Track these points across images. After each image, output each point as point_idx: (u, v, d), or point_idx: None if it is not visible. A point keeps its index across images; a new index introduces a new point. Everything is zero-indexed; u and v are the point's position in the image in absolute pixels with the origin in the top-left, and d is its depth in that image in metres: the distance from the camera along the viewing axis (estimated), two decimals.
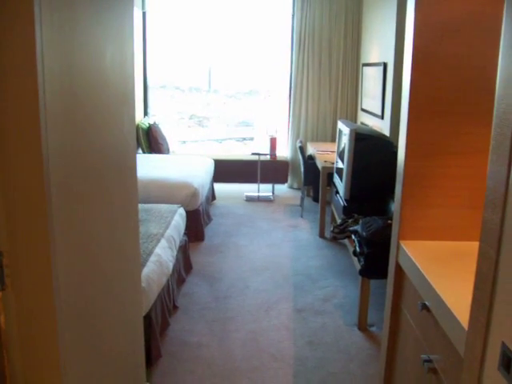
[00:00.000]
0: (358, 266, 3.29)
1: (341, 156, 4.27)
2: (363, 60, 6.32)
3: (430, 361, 1.67)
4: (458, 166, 1.98)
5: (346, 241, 4.02)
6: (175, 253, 3.54)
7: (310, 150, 6.08)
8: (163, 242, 3.32)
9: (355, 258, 3.45)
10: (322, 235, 5.09)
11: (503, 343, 1.01)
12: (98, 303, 1.62)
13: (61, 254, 1.28)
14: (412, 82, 1.93)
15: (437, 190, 2.01)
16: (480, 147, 1.93)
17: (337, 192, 4.48)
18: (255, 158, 6.60)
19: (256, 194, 6.51)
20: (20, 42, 1.12)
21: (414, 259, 1.86)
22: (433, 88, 1.93)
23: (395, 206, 2.14)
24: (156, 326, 2.87)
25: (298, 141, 6.14)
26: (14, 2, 1.10)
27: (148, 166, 5.29)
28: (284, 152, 7.05)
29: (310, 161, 5.66)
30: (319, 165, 5.15)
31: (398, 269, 2.08)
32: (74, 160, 1.37)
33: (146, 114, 7.11)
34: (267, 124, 8.37)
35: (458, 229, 2.02)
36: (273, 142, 6.54)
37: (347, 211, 3.92)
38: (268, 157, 6.59)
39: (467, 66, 1.90)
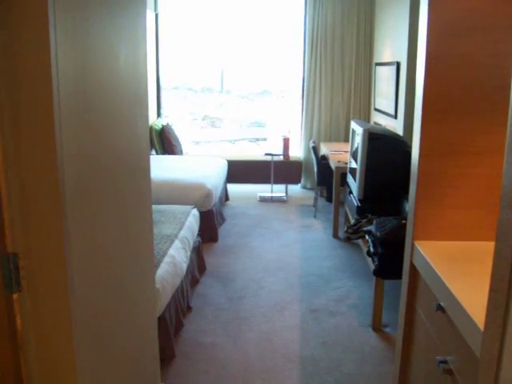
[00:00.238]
0: (372, 267, 3.27)
1: (354, 156, 4.25)
2: (376, 59, 6.29)
3: (445, 362, 1.65)
4: (473, 165, 1.96)
5: (359, 241, 4.00)
6: (189, 254, 3.55)
7: (324, 150, 6.07)
8: (177, 243, 3.33)
9: (369, 259, 3.43)
10: (335, 235, 5.07)
11: None
12: (111, 304, 1.63)
13: (75, 255, 1.29)
14: (425, 81, 1.91)
15: (451, 190, 1.99)
16: (495, 146, 1.91)
17: (350, 192, 4.46)
18: (268, 158, 6.60)
19: (269, 195, 6.51)
20: (34, 44, 1.13)
21: (428, 259, 1.84)
22: (446, 87, 1.91)
23: (409, 206, 2.12)
24: (170, 326, 2.88)
25: (311, 141, 6.13)
26: (28, 4, 1.11)
27: (161, 167, 5.31)
28: (297, 152, 7.03)
29: (323, 161, 5.64)
30: (332, 165, 5.13)
31: (413, 269, 2.06)
32: (87, 161, 1.38)
33: (159, 115, 7.14)
34: (280, 124, 8.36)
35: (474, 229, 2.00)
36: (286, 142, 6.53)
37: (361, 211, 3.91)
38: (281, 157, 6.58)
39: (482, 64, 1.88)
